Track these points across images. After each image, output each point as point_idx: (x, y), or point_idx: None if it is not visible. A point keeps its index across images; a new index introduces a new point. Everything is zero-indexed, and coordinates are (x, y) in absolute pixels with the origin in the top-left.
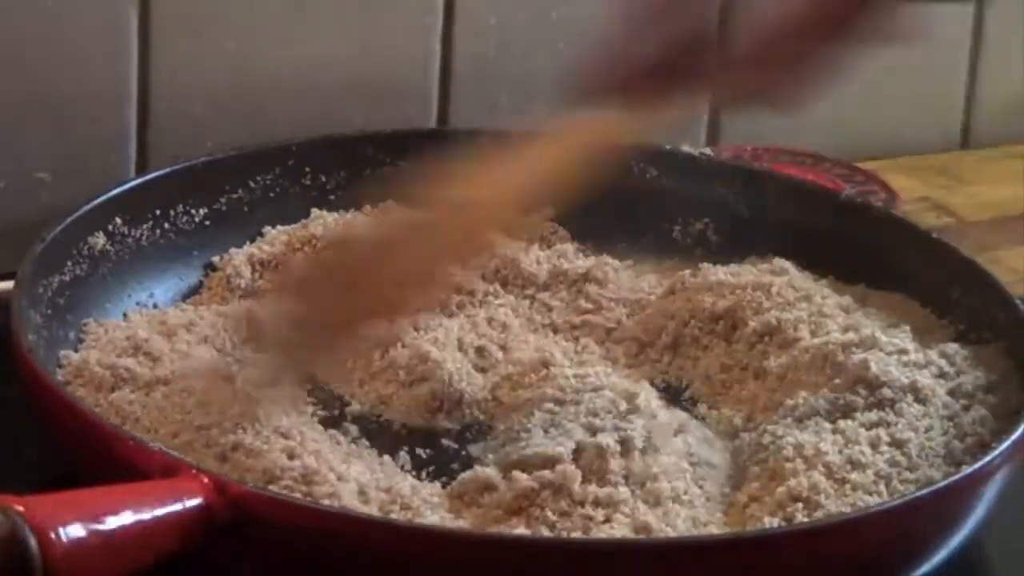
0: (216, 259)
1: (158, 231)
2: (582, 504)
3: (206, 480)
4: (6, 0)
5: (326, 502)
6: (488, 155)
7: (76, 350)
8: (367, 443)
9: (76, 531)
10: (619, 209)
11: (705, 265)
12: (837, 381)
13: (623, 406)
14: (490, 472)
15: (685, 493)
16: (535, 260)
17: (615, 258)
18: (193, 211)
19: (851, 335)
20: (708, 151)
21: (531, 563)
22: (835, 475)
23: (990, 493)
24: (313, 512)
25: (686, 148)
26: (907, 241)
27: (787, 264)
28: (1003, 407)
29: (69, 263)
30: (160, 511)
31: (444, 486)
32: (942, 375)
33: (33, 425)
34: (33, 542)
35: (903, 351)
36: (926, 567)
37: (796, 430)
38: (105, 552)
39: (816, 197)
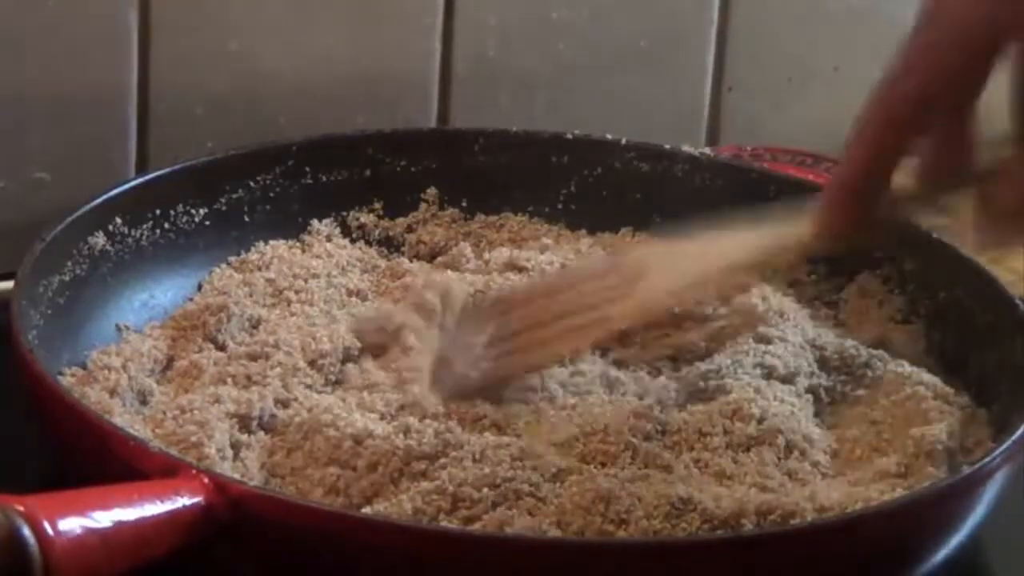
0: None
1: (158, 231)
2: None
3: (206, 480)
4: (7, 0)
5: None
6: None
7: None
8: None
9: (76, 531)
10: (616, 203)
11: None
12: None
13: None
14: None
15: None
16: None
17: None
18: (193, 211)
19: None
20: (708, 151)
21: (532, 562)
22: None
23: (990, 493)
24: (313, 512)
25: (686, 148)
26: (907, 241)
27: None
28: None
29: (69, 263)
30: (160, 511)
31: None
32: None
33: (33, 425)
34: (33, 542)
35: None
36: (926, 567)
37: None
38: (105, 552)
39: (816, 197)
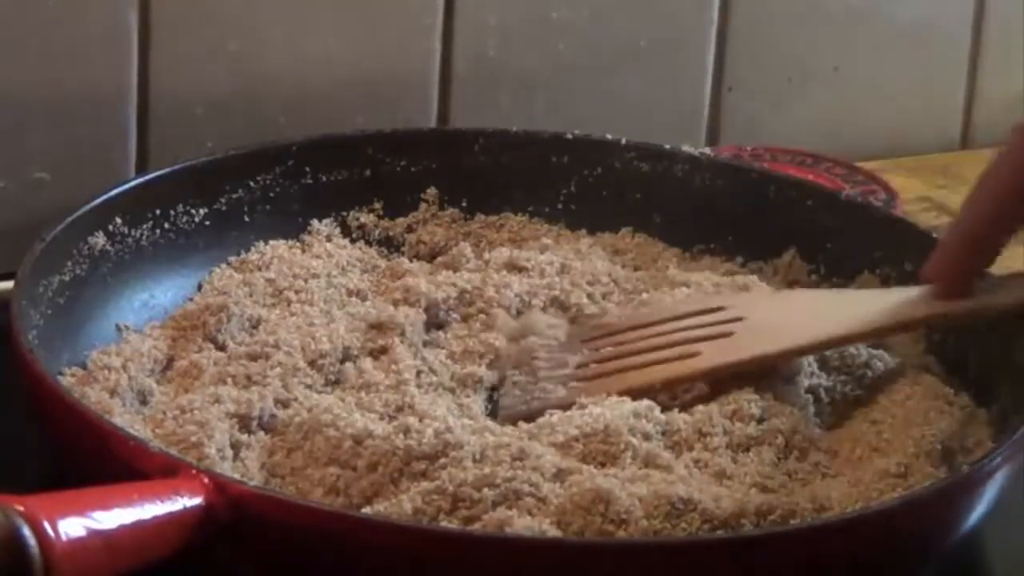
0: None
1: (158, 231)
2: None
3: (206, 480)
4: (6, 0)
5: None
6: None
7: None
8: None
9: (76, 531)
10: (616, 203)
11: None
12: None
13: None
14: None
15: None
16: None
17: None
18: (193, 211)
19: None
20: (708, 151)
21: (532, 562)
22: None
23: (990, 493)
24: (313, 512)
25: (686, 148)
26: (907, 241)
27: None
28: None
29: (69, 263)
30: (160, 511)
31: None
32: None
33: (33, 425)
34: (33, 542)
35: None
36: (926, 567)
37: None
38: (105, 552)
39: (816, 197)
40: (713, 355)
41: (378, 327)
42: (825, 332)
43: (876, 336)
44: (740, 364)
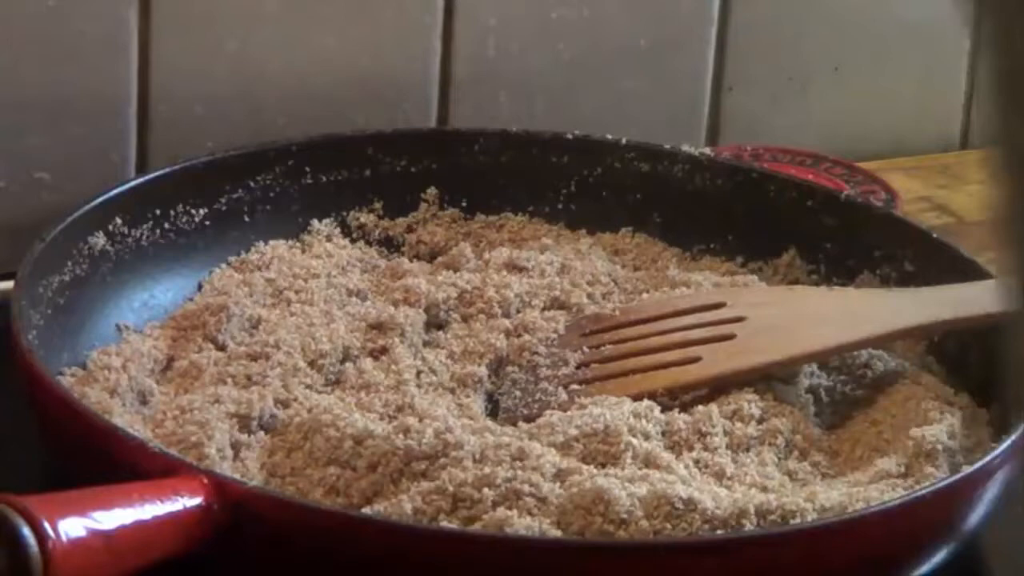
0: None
1: (158, 231)
2: None
3: (206, 480)
4: (6, 1)
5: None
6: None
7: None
8: None
9: (76, 531)
10: (616, 203)
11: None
12: None
13: None
14: None
15: None
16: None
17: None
18: (193, 211)
19: None
20: (708, 151)
21: (532, 562)
22: None
23: (990, 493)
24: (313, 512)
25: (686, 148)
26: (907, 241)
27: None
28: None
29: (69, 263)
30: (160, 511)
31: None
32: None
33: (33, 425)
34: (33, 542)
35: None
36: (926, 567)
37: None
38: (105, 552)
39: (816, 197)
40: (717, 361)
41: (378, 327)
42: (831, 340)
43: (882, 343)
44: (745, 372)
